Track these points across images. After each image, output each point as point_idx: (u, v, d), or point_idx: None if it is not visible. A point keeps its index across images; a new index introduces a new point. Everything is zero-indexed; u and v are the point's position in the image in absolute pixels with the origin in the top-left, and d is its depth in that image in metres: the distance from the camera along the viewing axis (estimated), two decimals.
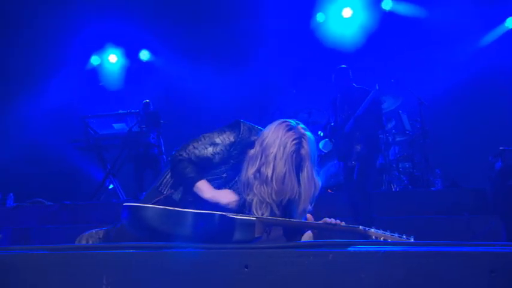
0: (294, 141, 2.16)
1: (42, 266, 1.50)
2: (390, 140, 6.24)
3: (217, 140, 2.31)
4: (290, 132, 2.18)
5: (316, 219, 4.98)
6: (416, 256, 1.32)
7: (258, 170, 2.19)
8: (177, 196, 2.34)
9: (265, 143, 2.21)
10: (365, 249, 1.43)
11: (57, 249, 1.59)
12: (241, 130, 2.33)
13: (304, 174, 2.21)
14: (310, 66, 7.66)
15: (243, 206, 2.27)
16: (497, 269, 1.23)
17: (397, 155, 6.20)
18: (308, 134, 2.23)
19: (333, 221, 2.06)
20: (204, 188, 2.25)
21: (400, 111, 6.16)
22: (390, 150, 6.26)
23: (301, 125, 2.28)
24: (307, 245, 1.55)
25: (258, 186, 2.19)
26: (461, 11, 7.17)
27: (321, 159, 6.18)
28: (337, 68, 4.74)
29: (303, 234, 2.43)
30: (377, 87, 4.31)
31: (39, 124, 7.68)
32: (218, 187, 2.31)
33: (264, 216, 2.21)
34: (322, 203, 5.46)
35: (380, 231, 1.95)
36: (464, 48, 7.22)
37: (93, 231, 2.49)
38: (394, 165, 6.09)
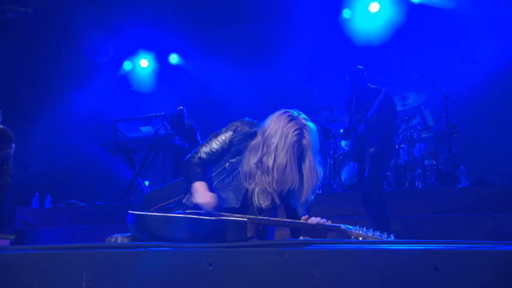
0: (296, 132, 2.21)
1: (24, 265, 1.64)
2: (415, 136, 6.11)
3: (221, 135, 2.43)
4: (291, 123, 2.23)
5: (335, 216, 4.99)
6: (365, 254, 1.35)
7: (260, 160, 2.25)
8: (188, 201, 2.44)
9: (266, 133, 2.27)
10: (321, 248, 1.47)
11: (39, 249, 1.72)
12: (239, 123, 2.42)
13: (306, 165, 2.26)
14: (334, 63, 7.61)
15: (235, 203, 2.34)
16: (440, 267, 1.24)
17: (423, 152, 6.06)
18: (310, 124, 2.28)
19: (314, 220, 2.09)
20: (196, 187, 2.35)
21: (423, 107, 6.02)
22: (415, 147, 6.13)
23: (303, 115, 2.32)
24: (267, 244, 1.60)
25: (260, 175, 2.25)
26: (491, 1, 6.90)
27: (344, 158, 6.16)
28: (352, 69, 4.69)
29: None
30: (386, 88, 4.24)
31: (74, 129, 8.08)
32: (223, 178, 2.41)
33: (263, 204, 2.28)
34: (342, 202, 5.50)
35: (360, 231, 1.96)
36: (492, 41, 6.93)
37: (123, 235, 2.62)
38: (419, 162, 5.97)
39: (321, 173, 2.31)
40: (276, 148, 2.19)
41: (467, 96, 6.39)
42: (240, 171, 2.36)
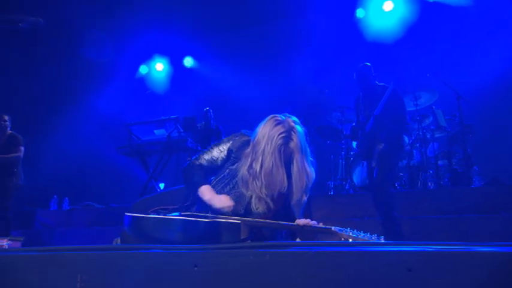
0: (282, 135, 2.25)
1: (20, 266, 1.72)
2: (428, 136, 6.05)
3: (222, 144, 2.50)
4: (278, 127, 2.27)
5: (345, 217, 4.98)
6: (342, 255, 1.37)
7: (250, 166, 2.30)
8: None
9: (256, 139, 2.32)
10: (300, 249, 1.50)
11: (34, 250, 1.80)
12: (238, 134, 2.48)
13: (294, 167, 2.28)
14: (346, 63, 7.58)
15: (240, 210, 2.37)
16: (414, 267, 1.26)
17: (436, 152, 5.99)
18: (297, 127, 2.31)
19: (301, 222, 2.12)
20: (205, 192, 2.40)
21: (434, 107, 5.95)
22: (428, 147, 6.07)
23: (292, 118, 2.35)
24: (249, 246, 1.64)
25: (251, 181, 2.29)
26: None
27: (355, 159, 6.15)
28: (359, 66, 4.65)
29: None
30: (392, 84, 4.20)
31: (92, 133, 8.26)
32: (223, 186, 2.44)
33: (259, 210, 2.31)
34: (353, 203, 5.49)
35: (351, 233, 1.98)
36: (505, 39, 6.78)
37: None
38: (432, 162, 5.90)
39: (312, 173, 2.32)
40: (263, 153, 2.22)
41: (480, 95, 6.28)
42: (237, 178, 2.40)
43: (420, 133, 5.96)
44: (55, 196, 7.04)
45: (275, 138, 2.22)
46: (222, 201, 2.34)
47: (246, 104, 8.37)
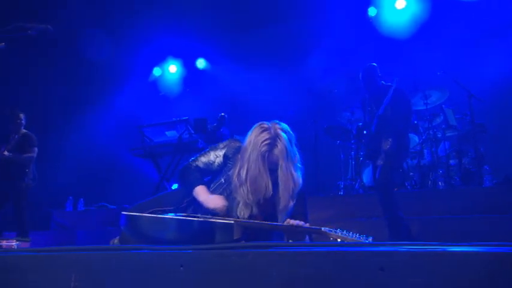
0: (266, 142, 2.29)
1: (15, 266, 1.79)
2: (439, 135, 5.98)
3: (218, 149, 2.56)
4: (263, 134, 2.31)
5: (353, 217, 4.97)
6: (318, 255, 1.40)
7: (238, 173, 2.35)
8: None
9: (243, 146, 2.37)
10: (280, 249, 1.53)
11: (30, 251, 1.87)
12: (232, 139, 2.53)
13: (279, 172, 2.31)
14: (356, 63, 7.55)
15: (233, 215, 2.41)
16: (386, 267, 1.28)
17: (447, 151, 5.92)
18: (283, 134, 2.33)
19: (293, 222, 2.15)
20: (200, 192, 2.45)
21: (444, 106, 5.87)
22: (439, 146, 6.00)
23: (280, 125, 2.39)
24: (232, 247, 1.68)
25: (238, 187, 2.34)
26: None
27: (365, 159, 6.12)
28: (365, 66, 4.64)
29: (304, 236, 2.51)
30: (395, 82, 4.17)
31: (105, 135, 8.41)
32: (221, 192, 2.49)
33: (244, 216, 2.35)
34: (362, 203, 5.47)
35: (339, 233, 2.00)
36: None
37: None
38: (443, 162, 5.84)
39: (298, 179, 2.34)
40: (249, 159, 2.27)
41: (491, 94, 6.17)
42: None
43: (431, 132, 5.90)
44: (70, 197, 7.19)
45: (259, 145, 2.27)
46: (215, 202, 2.40)
47: (257, 105, 8.40)
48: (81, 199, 7.16)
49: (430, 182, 5.63)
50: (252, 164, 2.26)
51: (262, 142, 2.27)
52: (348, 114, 6.49)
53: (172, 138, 6.77)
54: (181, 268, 1.62)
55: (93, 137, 8.42)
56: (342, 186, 6.35)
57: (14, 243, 4.07)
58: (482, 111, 5.87)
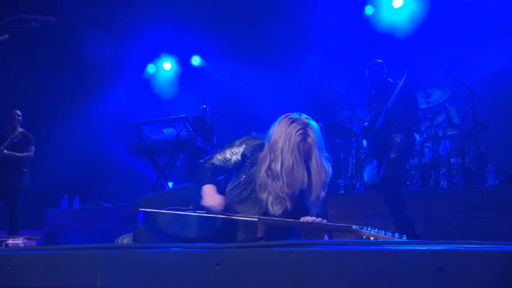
0: (299, 132, 2.24)
1: (41, 265, 1.70)
2: (440, 134, 5.99)
3: (235, 147, 2.49)
4: (294, 124, 2.26)
5: (357, 216, 4.93)
6: (368, 254, 1.34)
7: (269, 167, 2.28)
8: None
9: (271, 140, 2.30)
10: (325, 248, 1.47)
11: (55, 249, 1.78)
12: (249, 136, 2.46)
13: (313, 162, 2.27)
14: (355, 61, 7.54)
15: (258, 214, 2.35)
16: (444, 267, 1.23)
17: (449, 150, 5.93)
18: (312, 123, 2.31)
19: (309, 219, 2.11)
20: (206, 190, 2.41)
21: (447, 104, 5.88)
22: (441, 145, 6.01)
23: (304, 115, 2.35)
24: (273, 245, 1.61)
25: (271, 183, 2.27)
26: None
27: (366, 157, 6.10)
28: (371, 63, 4.59)
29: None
30: (405, 74, 4.13)
31: (100, 132, 8.28)
32: (241, 191, 2.42)
33: (276, 211, 2.29)
34: (364, 202, 5.44)
35: (372, 231, 1.95)
36: None
37: (129, 235, 2.73)
38: (445, 161, 5.84)
39: (329, 168, 2.32)
40: (282, 151, 2.21)
41: (493, 92, 6.19)
42: (256, 184, 2.38)
43: (432, 131, 5.90)
44: (65, 196, 7.05)
45: (293, 135, 2.21)
46: (211, 200, 2.35)
47: (254, 103, 8.35)
48: (76, 197, 7.02)
49: (432, 180, 5.63)
50: (286, 155, 2.20)
51: (296, 132, 2.22)
52: (349, 112, 6.46)
53: (170, 135, 6.68)
54: (217, 267, 1.56)
55: (88, 135, 8.28)
56: (342, 184, 6.33)
57: (20, 241, 3.96)
58: (484, 109, 5.89)
